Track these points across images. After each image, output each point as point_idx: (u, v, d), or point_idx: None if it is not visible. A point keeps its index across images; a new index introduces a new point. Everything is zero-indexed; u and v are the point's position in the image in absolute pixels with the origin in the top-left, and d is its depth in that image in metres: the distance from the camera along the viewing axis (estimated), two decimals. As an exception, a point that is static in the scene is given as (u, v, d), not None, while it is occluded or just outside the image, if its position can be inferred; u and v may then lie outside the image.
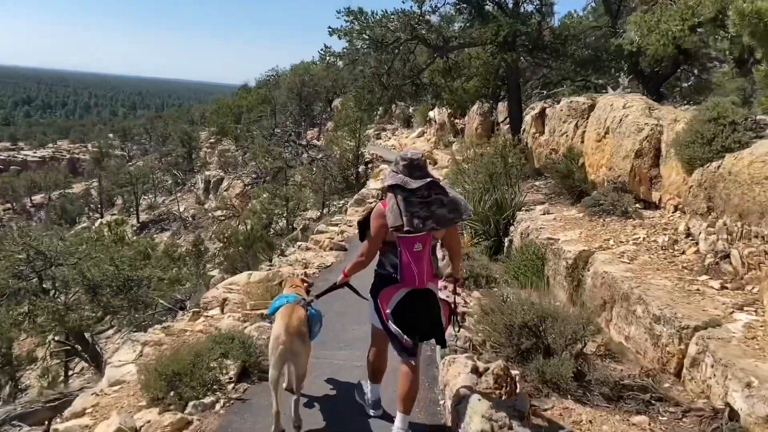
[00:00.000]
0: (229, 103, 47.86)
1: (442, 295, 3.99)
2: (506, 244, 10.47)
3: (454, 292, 4.06)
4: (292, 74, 39.91)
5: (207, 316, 7.48)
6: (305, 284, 4.93)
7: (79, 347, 17.73)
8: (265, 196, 20.68)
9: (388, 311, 3.90)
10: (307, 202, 25.68)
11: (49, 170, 68.67)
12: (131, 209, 45.56)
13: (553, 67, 16.73)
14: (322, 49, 17.57)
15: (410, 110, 35.87)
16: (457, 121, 28.05)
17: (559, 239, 8.37)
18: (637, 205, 9.21)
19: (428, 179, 3.83)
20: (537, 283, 8.46)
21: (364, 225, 4.11)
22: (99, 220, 48.80)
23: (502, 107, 24.17)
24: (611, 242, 8.10)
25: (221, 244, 17.79)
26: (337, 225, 14.17)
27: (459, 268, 4.30)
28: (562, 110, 12.64)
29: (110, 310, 19.09)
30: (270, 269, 9.96)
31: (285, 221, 20.87)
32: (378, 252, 4.06)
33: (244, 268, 13.92)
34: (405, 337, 3.86)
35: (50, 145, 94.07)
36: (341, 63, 17.31)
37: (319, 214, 23.59)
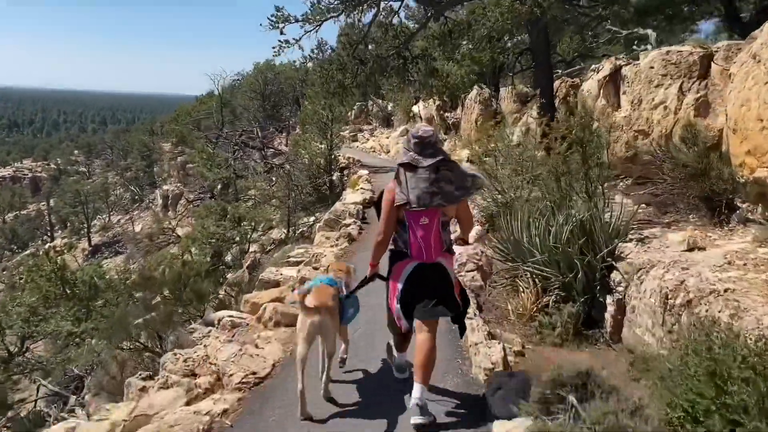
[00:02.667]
0: (189, 109, 42.14)
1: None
2: (610, 310, 5.30)
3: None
4: (254, 72, 34.40)
5: None
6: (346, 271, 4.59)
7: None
8: (207, 218, 15.29)
9: (399, 285, 3.80)
10: (271, 219, 20.35)
11: (3, 190, 61.92)
12: (82, 231, 39.61)
13: (603, 17, 11.67)
14: (272, 15, 12.31)
15: (389, 107, 30.71)
16: (447, 114, 22.94)
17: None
18: None
19: (439, 157, 3.70)
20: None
21: (378, 204, 3.95)
22: (48, 244, 43.00)
23: (504, 93, 19.15)
24: None
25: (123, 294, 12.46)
26: (296, 265, 8.92)
27: (468, 233, 4.10)
28: (652, 68, 7.54)
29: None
30: (149, 385, 4.67)
31: (239, 249, 15.55)
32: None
33: (153, 340, 8.63)
34: (403, 320, 3.82)
35: (12, 163, 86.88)
36: (300, 28, 12.03)
37: (285, 233, 18.28)
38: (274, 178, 19.14)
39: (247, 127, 24.96)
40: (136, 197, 42.50)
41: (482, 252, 7.26)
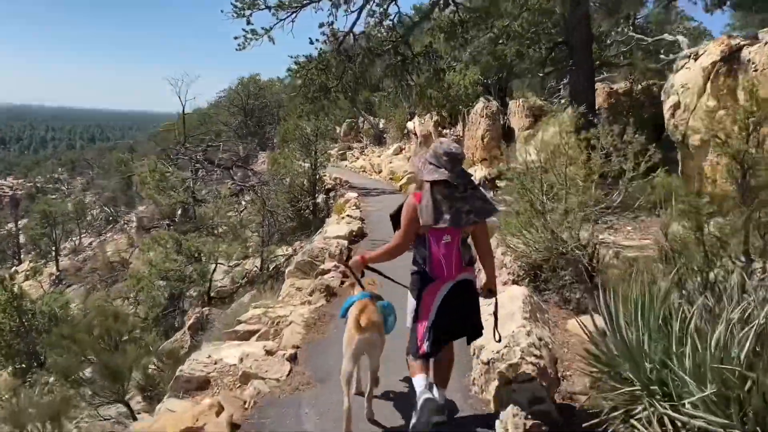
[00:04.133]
0: (170, 126, 39.21)
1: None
2: None
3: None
4: (237, 86, 31.60)
5: None
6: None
7: None
8: (156, 251, 12.32)
9: (432, 309, 3.54)
10: (246, 248, 17.43)
11: (-25, 208, 58.26)
12: (49, 255, 36.26)
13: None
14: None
15: (381, 123, 28.00)
16: (446, 131, 20.20)
17: None
18: None
19: (469, 176, 3.65)
20: None
21: (396, 218, 3.70)
22: (14, 268, 39.60)
23: (514, 107, 16.47)
24: None
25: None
26: (247, 338, 6.00)
27: (494, 275, 3.76)
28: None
29: None
30: None
31: (205, 285, 12.57)
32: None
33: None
34: (426, 344, 3.56)
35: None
36: (272, 16, 9.25)
37: (259, 266, 15.33)
38: (243, 202, 16.20)
39: (214, 142, 21.95)
40: (111, 218, 39.30)
41: (540, 341, 4.37)
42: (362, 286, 4.10)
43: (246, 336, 6.08)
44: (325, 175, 19.41)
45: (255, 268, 15.63)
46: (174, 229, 14.27)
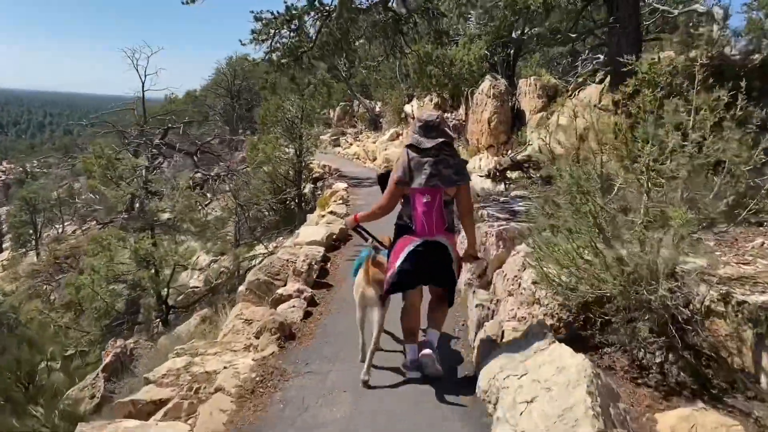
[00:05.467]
0: (156, 110, 36.95)
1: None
2: None
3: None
4: (225, 67, 29.25)
5: None
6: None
7: None
8: (100, 254, 10.12)
9: (401, 256, 3.82)
10: (226, 241, 15.33)
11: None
12: (29, 244, 34.09)
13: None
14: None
15: (377, 107, 25.77)
16: (447, 115, 18.00)
17: None
18: None
19: (440, 139, 3.78)
20: None
21: (384, 179, 3.98)
22: (-5, 257, 37.46)
23: (525, 86, 14.28)
24: None
25: None
26: (151, 412, 3.92)
27: (474, 241, 4.01)
28: None
29: None
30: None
31: (155, 296, 10.47)
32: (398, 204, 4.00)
33: None
34: (391, 286, 3.89)
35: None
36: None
37: (230, 268, 13.24)
38: (208, 195, 14.04)
39: (175, 123, 19.62)
40: (96, 206, 37.12)
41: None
42: (364, 238, 4.33)
43: (149, 410, 3.98)
44: (312, 162, 17.27)
45: (226, 269, 13.57)
46: (123, 227, 12.10)
